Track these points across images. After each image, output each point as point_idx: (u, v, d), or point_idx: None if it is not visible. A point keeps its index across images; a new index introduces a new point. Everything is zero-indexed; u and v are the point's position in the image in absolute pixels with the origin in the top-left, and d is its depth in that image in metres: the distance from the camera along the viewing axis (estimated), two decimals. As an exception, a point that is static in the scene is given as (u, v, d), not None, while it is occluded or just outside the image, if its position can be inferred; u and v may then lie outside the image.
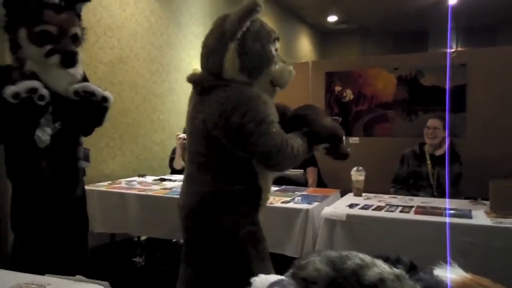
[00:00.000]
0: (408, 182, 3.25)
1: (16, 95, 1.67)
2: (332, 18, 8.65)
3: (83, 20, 3.50)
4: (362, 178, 2.87)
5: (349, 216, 2.33)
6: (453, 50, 6.50)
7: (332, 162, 4.22)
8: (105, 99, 1.92)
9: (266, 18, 7.21)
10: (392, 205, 2.54)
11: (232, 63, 1.57)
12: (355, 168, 2.87)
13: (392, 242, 2.19)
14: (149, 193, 3.05)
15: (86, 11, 3.61)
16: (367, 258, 0.82)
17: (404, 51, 7.50)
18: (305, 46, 9.19)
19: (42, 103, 1.74)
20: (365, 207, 2.51)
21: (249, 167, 1.62)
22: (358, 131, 4.13)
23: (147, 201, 3.01)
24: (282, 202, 2.71)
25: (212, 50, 1.61)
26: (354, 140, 4.10)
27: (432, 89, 3.83)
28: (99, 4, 3.74)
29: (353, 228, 2.33)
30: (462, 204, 2.58)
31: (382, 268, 0.79)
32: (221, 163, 1.62)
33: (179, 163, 3.82)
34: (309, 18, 8.75)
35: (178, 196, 1.79)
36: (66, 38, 1.85)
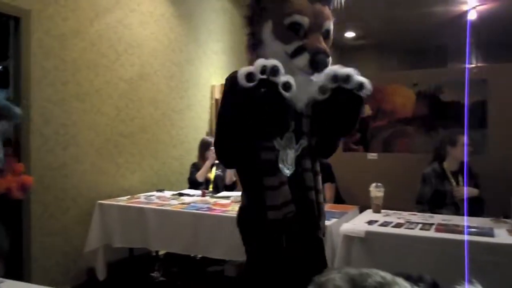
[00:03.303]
0: (433, 202, 3.15)
1: (249, 76, 1.22)
2: (350, 34, 8.68)
3: (104, 38, 3.67)
4: (381, 194, 2.84)
5: (368, 233, 2.31)
6: (473, 65, 6.44)
7: (350, 179, 4.16)
8: (361, 86, 1.31)
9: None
10: (412, 222, 2.50)
11: None
12: (374, 184, 2.84)
13: (412, 260, 2.15)
14: (168, 208, 3.08)
15: (107, 29, 3.74)
16: (388, 276, 0.81)
17: (423, 67, 7.47)
18: (322, 62, 9.20)
19: (287, 94, 1.25)
20: (384, 224, 2.48)
21: None
22: (377, 147, 4.10)
23: (165, 216, 3.03)
24: (300, 218, 2.69)
25: None
26: (372, 155, 4.07)
27: (452, 104, 3.80)
28: (120, 23, 3.84)
29: (372, 245, 2.30)
30: (483, 222, 2.53)
31: (403, 286, 0.78)
32: None
33: (203, 176, 3.89)
34: (326, 34, 8.77)
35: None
36: (318, 33, 1.42)
